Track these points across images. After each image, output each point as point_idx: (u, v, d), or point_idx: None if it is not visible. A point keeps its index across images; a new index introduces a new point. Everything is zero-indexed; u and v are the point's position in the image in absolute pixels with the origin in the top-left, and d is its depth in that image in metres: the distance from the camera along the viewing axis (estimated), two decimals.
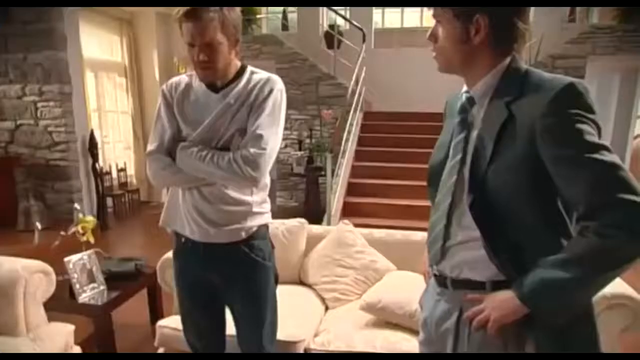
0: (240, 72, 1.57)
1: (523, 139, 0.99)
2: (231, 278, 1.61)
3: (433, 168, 1.21)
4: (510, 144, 1.01)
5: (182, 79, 1.62)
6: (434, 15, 1.09)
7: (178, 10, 1.41)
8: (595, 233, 0.92)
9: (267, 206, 1.66)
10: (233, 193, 1.54)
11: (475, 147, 1.07)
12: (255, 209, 1.59)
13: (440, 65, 1.13)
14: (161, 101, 1.60)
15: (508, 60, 1.08)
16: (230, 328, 1.75)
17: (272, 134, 1.50)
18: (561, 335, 1.02)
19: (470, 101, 1.13)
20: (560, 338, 1.02)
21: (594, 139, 0.95)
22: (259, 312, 1.65)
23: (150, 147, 1.58)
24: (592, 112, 0.98)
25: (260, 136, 1.47)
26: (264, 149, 1.47)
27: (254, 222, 1.59)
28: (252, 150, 1.45)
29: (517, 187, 1.00)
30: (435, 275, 1.21)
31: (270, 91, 1.52)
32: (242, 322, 1.68)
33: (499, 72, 1.07)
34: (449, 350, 1.15)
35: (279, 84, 1.56)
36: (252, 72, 1.59)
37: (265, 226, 1.66)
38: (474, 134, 1.10)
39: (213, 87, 1.55)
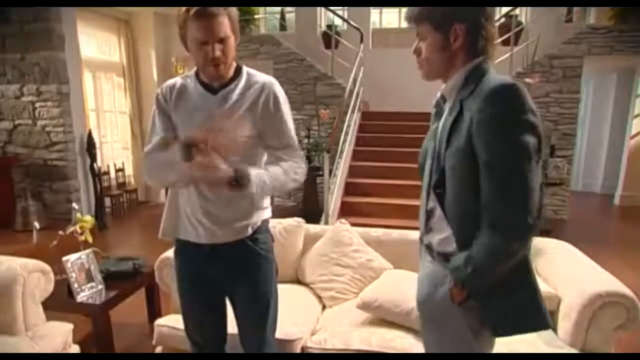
0: (238, 72, 1.59)
1: (465, 131, 1.16)
2: (236, 272, 1.63)
3: (421, 157, 1.41)
4: (458, 135, 1.18)
5: (177, 81, 1.62)
6: (418, 34, 1.26)
7: (187, 10, 1.42)
8: (486, 236, 1.14)
9: (269, 201, 1.72)
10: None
11: (440, 135, 1.26)
12: (261, 204, 1.65)
13: (424, 73, 1.31)
14: (156, 107, 1.61)
15: (476, 61, 1.22)
16: (230, 325, 1.77)
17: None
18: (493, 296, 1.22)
19: (443, 97, 1.33)
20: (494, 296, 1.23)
21: (518, 144, 1.10)
22: (263, 304, 1.68)
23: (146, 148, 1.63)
24: (522, 111, 1.10)
25: (296, 149, 1.65)
26: (301, 156, 1.66)
27: (258, 218, 1.64)
28: (300, 163, 1.63)
29: (459, 172, 1.18)
30: (426, 246, 1.39)
31: (277, 98, 1.59)
32: (246, 315, 1.70)
33: (466, 71, 1.22)
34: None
35: (279, 86, 1.63)
36: (250, 73, 1.61)
37: (267, 220, 1.71)
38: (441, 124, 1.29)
39: (210, 89, 1.56)
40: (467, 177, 1.17)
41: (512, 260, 1.16)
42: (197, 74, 1.60)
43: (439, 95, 1.34)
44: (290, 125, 1.64)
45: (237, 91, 1.55)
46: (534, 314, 1.23)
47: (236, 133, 1.52)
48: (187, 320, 1.76)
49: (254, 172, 1.47)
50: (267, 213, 1.69)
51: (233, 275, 1.64)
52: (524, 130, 1.09)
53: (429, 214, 1.33)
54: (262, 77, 1.61)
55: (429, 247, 1.36)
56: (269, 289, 1.68)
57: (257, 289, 1.66)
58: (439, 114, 1.33)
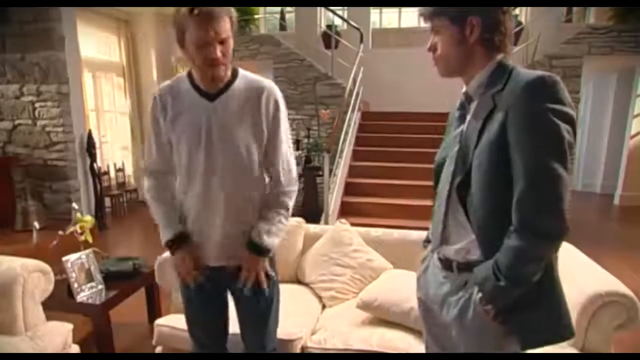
0: (234, 75, 1.56)
1: (498, 125, 1.10)
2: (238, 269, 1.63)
3: (437, 166, 1.34)
4: (490, 130, 1.12)
5: (172, 86, 1.58)
6: (432, 27, 1.21)
7: (189, 10, 1.37)
8: (517, 239, 1.08)
9: None
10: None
11: (467, 134, 1.19)
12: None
13: (441, 71, 1.25)
14: (151, 116, 1.59)
15: (498, 58, 1.18)
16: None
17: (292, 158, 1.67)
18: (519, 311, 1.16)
19: (468, 98, 1.24)
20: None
21: (556, 138, 1.04)
22: (267, 300, 1.69)
23: (149, 166, 1.67)
24: (561, 103, 1.06)
25: (291, 171, 1.64)
26: (295, 180, 1.67)
27: None
28: (291, 188, 1.64)
29: (487, 168, 1.12)
30: (440, 259, 1.31)
31: (278, 108, 1.57)
32: (249, 309, 1.70)
33: (490, 68, 1.18)
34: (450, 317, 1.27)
35: (279, 91, 1.60)
36: (247, 77, 1.58)
37: None
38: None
39: (206, 95, 1.53)
40: (496, 174, 1.11)
41: (541, 265, 1.10)
42: (190, 78, 1.56)
43: (462, 96, 1.27)
44: (288, 139, 1.63)
45: (236, 99, 1.52)
46: (561, 324, 1.18)
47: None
48: (190, 318, 1.75)
49: (268, 241, 1.57)
50: None
51: (238, 274, 1.63)
52: (562, 122, 1.04)
53: (446, 223, 1.26)
54: (263, 82, 1.58)
55: (444, 261, 1.29)
56: (272, 282, 1.70)
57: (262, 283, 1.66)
58: (463, 117, 1.26)
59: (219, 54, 1.43)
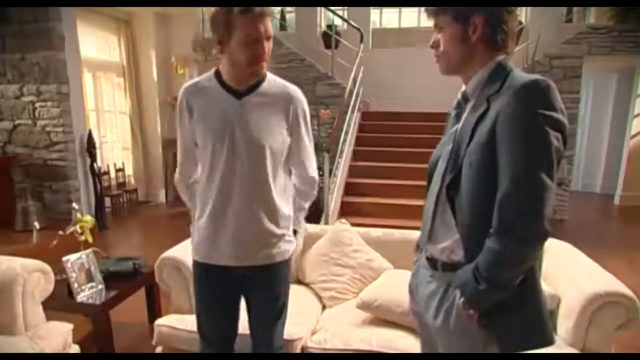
0: (263, 77, 1.58)
1: (490, 126, 1.10)
2: (258, 270, 1.64)
3: (431, 164, 1.33)
4: (482, 131, 1.12)
5: (199, 83, 1.60)
6: (435, 24, 1.21)
7: (242, 10, 1.41)
8: (496, 242, 1.08)
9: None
10: (283, 208, 1.65)
11: (460, 134, 1.19)
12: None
13: (443, 68, 1.24)
14: (179, 115, 1.61)
15: (498, 59, 1.18)
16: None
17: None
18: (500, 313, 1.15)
19: (465, 97, 1.24)
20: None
21: (543, 143, 1.04)
22: (279, 302, 1.71)
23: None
24: (553, 109, 1.05)
25: (315, 169, 1.73)
26: (317, 172, 1.76)
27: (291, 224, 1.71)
28: (316, 185, 1.77)
29: (477, 169, 1.12)
30: (427, 258, 1.33)
31: (305, 111, 1.63)
32: (263, 314, 1.72)
33: (489, 69, 1.18)
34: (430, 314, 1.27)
35: (303, 97, 1.65)
36: (273, 80, 1.61)
37: None
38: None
39: (234, 92, 1.55)
40: (485, 176, 1.10)
41: (521, 269, 1.10)
42: (218, 76, 1.57)
43: (460, 95, 1.27)
44: (311, 139, 1.70)
45: (264, 100, 1.56)
46: (540, 331, 1.17)
47: None
48: (201, 316, 1.75)
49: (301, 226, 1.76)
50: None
51: (252, 276, 1.65)
52: (551, 129, 1.04)
53: (435, 221, 1.26)
54: (289, 87, 1.62)
55: (430, 260, 1.30)
56: (286, 285, 1.73)
57: (275, 289, 1.70)
58: (459, 116, 1.26)
59: (266, 49, 1.49)
